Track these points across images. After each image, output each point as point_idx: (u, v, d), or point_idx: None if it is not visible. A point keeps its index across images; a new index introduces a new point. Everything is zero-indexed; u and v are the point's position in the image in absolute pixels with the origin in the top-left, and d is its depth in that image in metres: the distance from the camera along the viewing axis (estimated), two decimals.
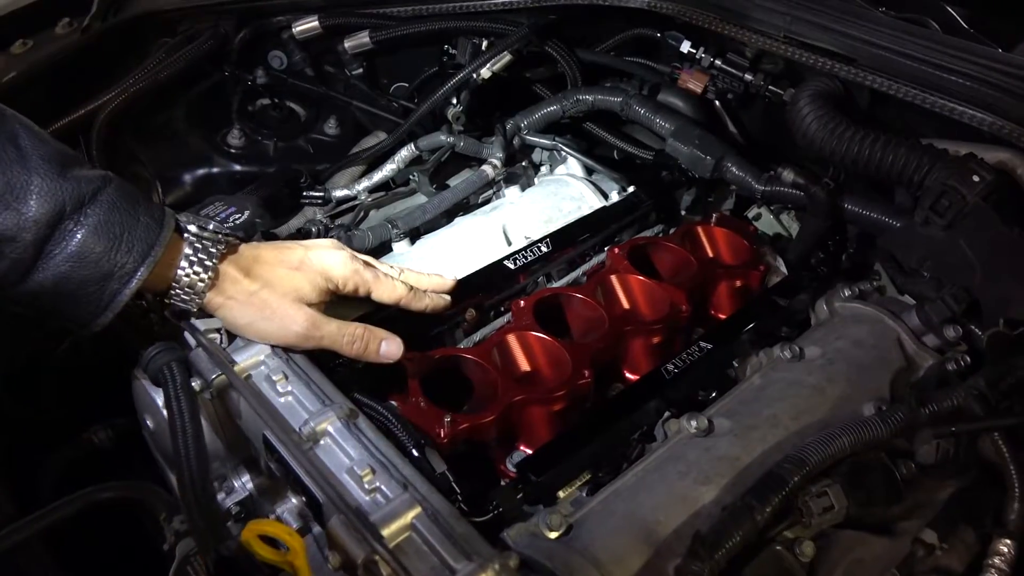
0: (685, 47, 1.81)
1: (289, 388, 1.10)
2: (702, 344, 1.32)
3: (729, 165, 1.60)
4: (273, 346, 1.15)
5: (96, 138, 1.79)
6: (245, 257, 1.12)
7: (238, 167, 1.80)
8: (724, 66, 1.78)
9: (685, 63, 1.86)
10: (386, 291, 1.22)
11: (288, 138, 1.87)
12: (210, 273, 1.07)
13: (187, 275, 1.05)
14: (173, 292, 1.07)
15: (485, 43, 1.77)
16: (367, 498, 0.96)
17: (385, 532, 0.91)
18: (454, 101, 1.73)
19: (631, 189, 1.70)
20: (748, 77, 1.76)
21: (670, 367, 1.28)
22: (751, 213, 1.81)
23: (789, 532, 1.09)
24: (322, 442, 1.04)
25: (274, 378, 1.10)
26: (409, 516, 0.93)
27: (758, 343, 1.40)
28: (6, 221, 0.92)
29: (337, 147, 1.90)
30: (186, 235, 1.07)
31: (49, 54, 1.78)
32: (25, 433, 1.47)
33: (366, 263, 1.23)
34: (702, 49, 1.80)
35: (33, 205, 0.93)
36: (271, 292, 1.11)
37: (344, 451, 1.02)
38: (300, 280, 1.14)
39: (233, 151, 1.80)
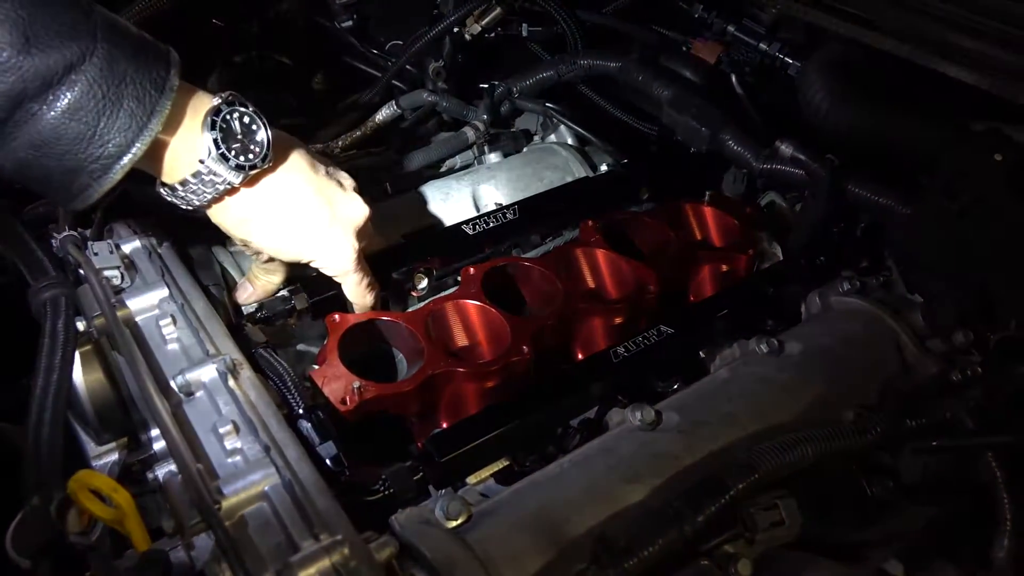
0: (697, 10, 1.65)
1: (176, 335, 0.99)
2: (662, 328, 1.17)
3: (727, 138, 1.44)
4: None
5: None
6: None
7: None
8: (738, 33, 1.61)
9: (698, 29, 1.70)
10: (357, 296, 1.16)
11: (271, 91, 1.77)
12: (265, 152, 0.95)
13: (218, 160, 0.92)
14: (194, 179, 0.93)
15: None
16: (226, 460, 0.85)
17: (230, 500, 0.79)
18: (435, 56, 1.61)
19: (624, 163, 1.56)
20: (764, 47, 1.59)
21: (620, 350, 1.13)
22: (763, 201, 1.63)
23: (730, 547, 0.94)
24: (197, 395, 0.93)
25: (161, 323, 1.00)
26: (262, 484, 0.81)
27: (734, 333, 1.23)
28: None
29: (323, 103, 1.80)
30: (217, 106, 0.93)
31: None
32: None
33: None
34: (715, 14, 1.64)
35: None
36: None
37: (215, 406, 0.91)
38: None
39: None
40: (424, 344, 1.12)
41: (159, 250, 1.14)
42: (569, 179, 1.53)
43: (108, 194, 0.89)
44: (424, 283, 1.30)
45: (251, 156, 0.94)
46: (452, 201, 1.46)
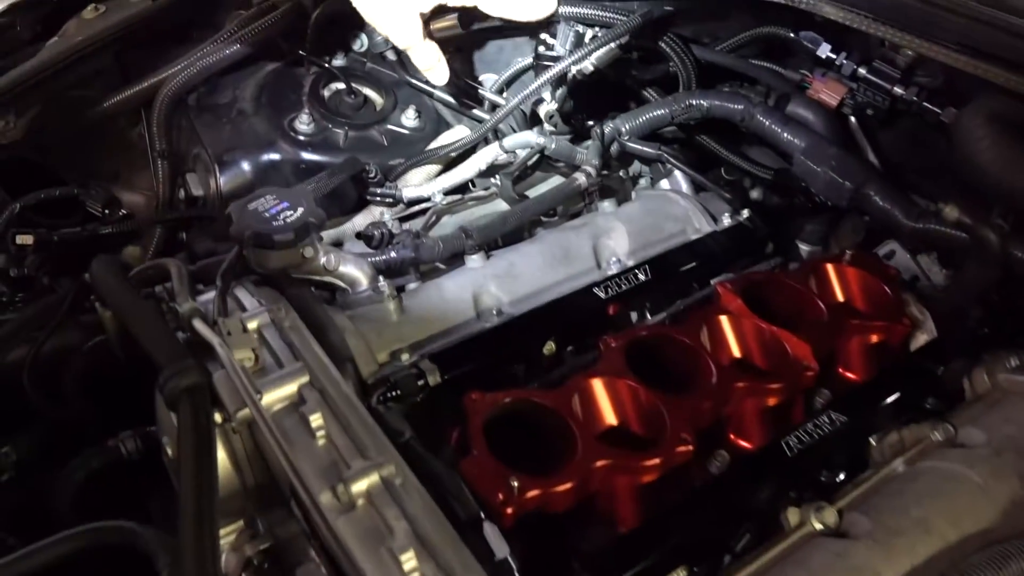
0: (823, 51, 1.55)
1: (324, 431, 0.90)
2: (833, 415, 1.07)
3: (872, 194, 1.34)
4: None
5: (157, 114, 1.66)
6: None
7: (305, 155, 1.62)
8: (869, 76, 1.51)
9: (821, 70, 1.59)
10: None
11: (361, 127, 1.68)
12: None
13: None
14: None
15: (589, 33, 1.54)
16: None
17: None
18: (547, 98, 1.51)
19: (746, 213, 1.46)
20: (898, 91, 1.48)
21: (792, 441, 1.04)
22: (882, 250, 1.53)
23: None
24: (358, 504, 0.83)
25: (309, 416, 0.90)
26: None
27: (899, 416, 1.13)
28: None
29: (414, 141, 1.70)
30: None
31: (119, 20, 1.70)
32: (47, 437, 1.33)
33: None
34: (844, 55, 1.53)
35: None
36: None
37: (383, 522, 0.81)
38: None
39: (301, 138, 1.62)
40: (577, 432, 1.02)
41: (286, 323, 1.05)
42: (690, 230, 1.44)
43: None
44: (552, 351, 1.21)
45: None
46: (572, 255, 1.36)
